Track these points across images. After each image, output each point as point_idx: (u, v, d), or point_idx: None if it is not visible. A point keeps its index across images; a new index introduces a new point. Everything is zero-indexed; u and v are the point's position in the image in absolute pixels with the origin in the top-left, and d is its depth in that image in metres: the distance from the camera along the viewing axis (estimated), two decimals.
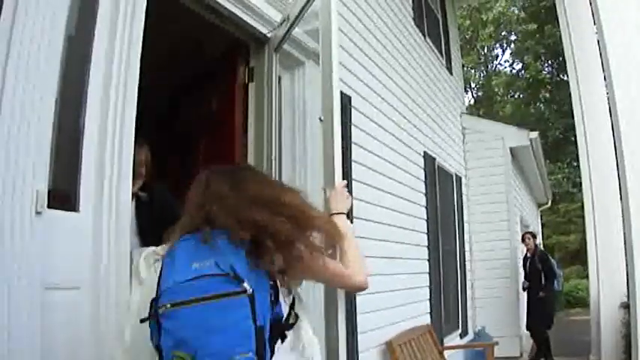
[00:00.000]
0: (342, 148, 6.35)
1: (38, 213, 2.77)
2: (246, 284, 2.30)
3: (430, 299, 9.85)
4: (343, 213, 3.24)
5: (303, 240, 2.54)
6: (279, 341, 2.50)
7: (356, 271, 2.86)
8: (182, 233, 2.56)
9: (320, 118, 3.56)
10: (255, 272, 2.39)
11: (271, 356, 2.41)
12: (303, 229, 2.56)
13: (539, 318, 12.34)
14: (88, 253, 3.11)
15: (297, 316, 2.62)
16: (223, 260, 2.38)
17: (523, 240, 13.38)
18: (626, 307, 6.55)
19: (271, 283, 2.45)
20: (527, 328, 12.95)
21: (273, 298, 2.45)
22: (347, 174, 6.70)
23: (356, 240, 3.04)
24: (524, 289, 13.22)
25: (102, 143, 3.21)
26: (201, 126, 5.71)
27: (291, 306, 2.60)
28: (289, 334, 2.56)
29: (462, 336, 12.01)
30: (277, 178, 4.82)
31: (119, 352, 2.64)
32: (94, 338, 3.08)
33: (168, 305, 2.31)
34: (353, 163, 6.91)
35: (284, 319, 2.56)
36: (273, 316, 2.44)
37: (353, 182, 6.83)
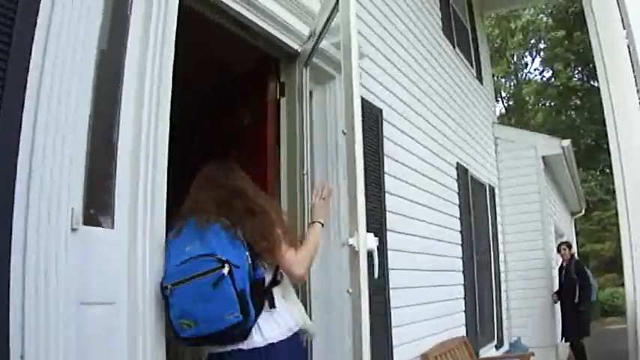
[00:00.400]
0: (373, 160, 6.39)
1: (74, 230, 2.79)
2: (224, 259, 3.07)
3: (465, 310, 9.80)
4: (320, 222, 3.90)
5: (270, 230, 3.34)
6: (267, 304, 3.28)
7: (301, 265, 3.45)
8: (184, 218, 3.35)
9: (343, 131, 3.85)
10: (233, 245, 3.19)
11: (257, 311, 3.18)
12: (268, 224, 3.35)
13: (576, 328, 12.26)
14: (123, 268, 3.12)
15: (282, 275, 3.43)
16: (207, 242, 3.17)
17: (559, 250, 13.31)
18: None
19: (247, 253, 3.21)
20: (564, 338, 12.85)
21: (251, 263, 3.19)
22: (380, 186, 6.70)
23: (315, 245, 3.71)
24: (554, 302, 13.14)
25: (136, 158, 3.21)
26: (232, 142, 5.71)
27: (277, 268, 3.40)
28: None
29: (497, 347, 11.93)
30: (309, 193, 4.85)
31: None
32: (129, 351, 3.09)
33: (169, 286, 3.10)
34: (385, 176, 6.89)
35: (267, 280, 3.32)
36: (254, 279, 3.19)
37: (386, 195, 6.83)
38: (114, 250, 3.11)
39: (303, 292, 4.67)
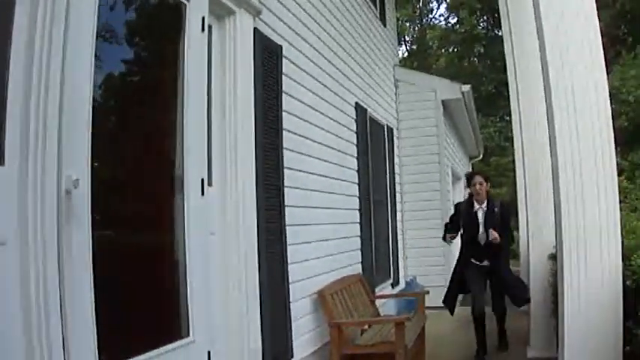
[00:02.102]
0: (271, 97, 6.39)
1: None
2: None
3: (361, 249, 9.95)
4: None
5: None
6: None
7: None
8: None
9: None
10: None
11: None
12: None
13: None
14: (13, 207, 3.05)
15: None
16: None
17: (470, 184, 9.14)
18: (554, 257, 6.67)
19: None
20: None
21: None
22: (278, 123, 6.70)
23: None
24: (450, 240, 9.53)
25: (26, 94, 3.12)
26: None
27: None
28: None
29: (393, 285, 12.17)
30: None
31: None
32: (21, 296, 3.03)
33: None
34: (284, 113, 6.89)
35: None
36: None
37: (283, 132, 6.83)
38: (3, 188, 3.03)
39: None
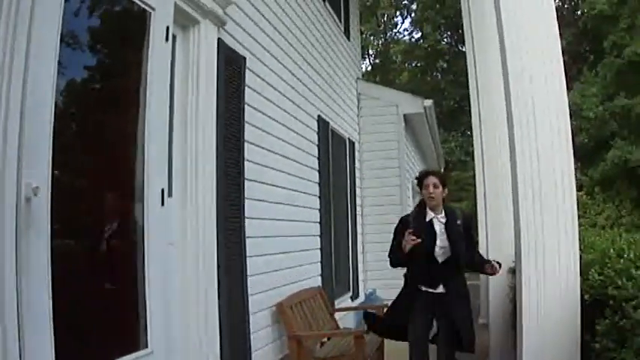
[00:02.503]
0: (234, 109, 6.39)
1: None
2: None
3: (321, 262, 9.95)
4: None
5: None
6: None
7: None
8: None
9: None
10: None
11: None
12: None
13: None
14: None
15: None
16: None
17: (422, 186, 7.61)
18: (513, 272, 6.73)
19: None
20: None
21: None
22: (240, 135, 6.69)
23: None
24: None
25: None
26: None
27: None
28: None
29: (352, 298, 12.18)
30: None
31: None
32: None
33: None
34: (246, 124, 6.88)
35: None
36: None
37: (245, 143, 6.82)
38: None
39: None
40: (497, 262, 6.35)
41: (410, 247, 6.09)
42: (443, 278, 6.28)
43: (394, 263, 6.73)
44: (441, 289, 6.29)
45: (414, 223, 6.34)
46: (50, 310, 3.43)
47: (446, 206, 6.52)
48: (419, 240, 6.08)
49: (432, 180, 6.45)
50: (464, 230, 6.40)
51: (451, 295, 6.25)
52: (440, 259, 6.26)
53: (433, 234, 6.30)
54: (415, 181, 6.69)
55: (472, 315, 6.55)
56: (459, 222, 6.39)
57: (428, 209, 6.43)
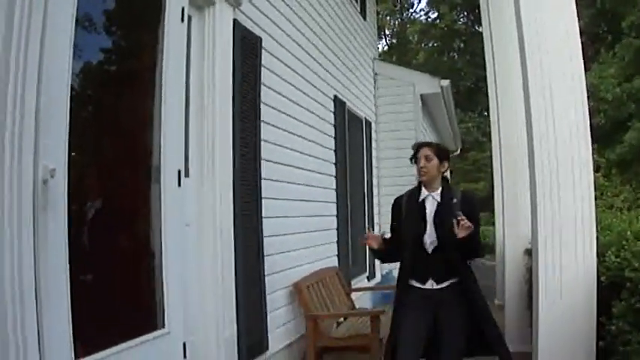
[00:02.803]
0: (250, 89, 6.39)
1: None
2: None
3: (338, 242, 9.96)
4: None
5: None
6: None
7: None
8: None
9: None
10: None
11: None
12: None
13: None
14: None
15: None
16: None
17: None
18: (529, 253, 6.71)
19: None
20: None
21: None
22: (256, 115, 6.69)
23: None
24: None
25: (3, 82, 3.05)
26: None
27: None
28: None
29: (369, 279, 12.19)
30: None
31: None
32: None
33: None
34: (262, 105, 6.88)
35: None
36: None
37: (261, 124, 6.82)
38: None
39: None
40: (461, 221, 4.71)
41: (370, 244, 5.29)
42: (432, 271, 5.03)
43: (378, 257, 5.82)
44: (430, 284, 5.03)
45: (406, 204, 5.28)
46: (68, 289, 3.45)
47: (445, 183, 5.28)
48: (370, 242, 5.27)
49: (424, 152, 5.22)
50: (462, 208, 4.96)
51: (447, 293, 5.00)
52: (429, 248, 5.02)
53: (423, 216, 5.12)
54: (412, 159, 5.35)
55: (489, 316, 5.08)
56: (454, 200, 5.06)
57: (422, 188, 5.24)
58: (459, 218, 4.70)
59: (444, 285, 5.00)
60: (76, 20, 3.67)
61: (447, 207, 5.03)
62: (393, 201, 5.52)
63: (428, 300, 5.00)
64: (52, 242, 3.34)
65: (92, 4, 4.14)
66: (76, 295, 3.50)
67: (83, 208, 3.94)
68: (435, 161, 5.16)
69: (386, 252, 5.33)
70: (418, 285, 5.06)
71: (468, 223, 4.68)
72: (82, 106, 4.07)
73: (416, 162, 5.26)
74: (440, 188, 5.18)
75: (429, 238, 5.01)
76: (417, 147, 5.36)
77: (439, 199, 5.10)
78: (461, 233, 4.70)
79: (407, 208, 5.25)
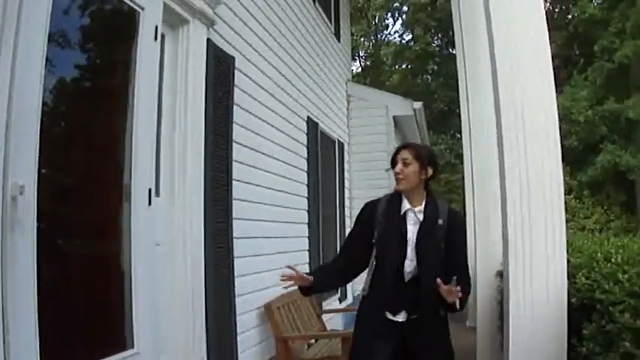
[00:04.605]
0: (222, 109, 6.37)
1: None
2: None
3: (309, 263, 9.93)
4: None
5: None
6: None
7: None
8: None
9: None
10: None
11: None
12: None
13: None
14: None
15: None
16: None
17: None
18: (501, 274, 6.73)
19: None
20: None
21: None
22: (228, 135, 6.67)
23: None
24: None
25: None
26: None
27: None
28: None
29: (340, 300, 12.15)
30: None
31: None
32: None
33: None
34: (234, 125, 6.86)
35: None
36: None
37: (233, 144, 6.80)
38: None
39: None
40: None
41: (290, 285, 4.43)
42: (406, 302, 4.25)
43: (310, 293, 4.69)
44: (402, 316, 4.27)
45: (383, 216, 4.37)
46: (36, 309, 3.43)
47: (430, 197, 4.43)
48: (291, 282, 4.41)
49: (402, 154, 4.44)
50: (447, 234, 4.31)
51: (419, 330, 4.24)
52: (407, 276, 4.25)
53: (405, 236, 4.30)
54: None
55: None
56: (440, 221, 4.30)
57: (404, 198, 4.40)
58: (453, 289, 3.92)
59: (415, 317, 4.24)
60: (50, 36, 3.66)
61: (430, 230, 4.29)
62: (364, 205, 4.62)
63: (397, 334, 4.25)
64: (20, 260, 3.31)
65: (66, 20, 4.13)
66: (44, 314, 3.47)
67: (52, 226, 3.90)
68: (415, 166, 4.37)
69: (319, 283, 4.47)
70: (388, 316, 4.28)
71: (459, 293, 3.96)
72: (54, 122, 4.06)
73: (393, 167, 4.48)
74: (423, 202, 4.37)
75: (409, 264, 4.24)
76: (397, 149, 4.57)
77: (421, 218, 4.31)
78: (450, 298, 4.00)
79: (384, 219, 4.37)
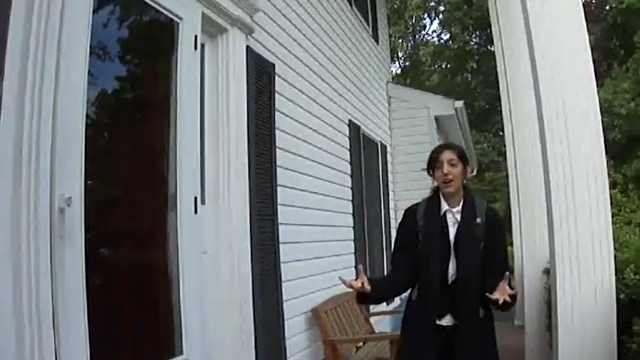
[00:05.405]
0: (264, 115, 6.40)
1: None
2: None
3: (355, 266, 9.91)
4: None
5: None
6: None
7: None
8: None
9: None
10: None
11: None
12: None
13: None
14: (7, 225, 3.03)
15: None
16: None
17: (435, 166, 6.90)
18: (548, 272, 6.68)
19: None
20: None
21: None
22: (271, 142, 6.71)
23: None
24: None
25: (19, 112, 3.10)
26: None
27: None
28: None
29: (388, 303, 12.13)
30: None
31: None
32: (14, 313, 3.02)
33: None
34: (277, 131, 6.90)
35: None
36: None
37: (277, 150, 6.83)
38: None
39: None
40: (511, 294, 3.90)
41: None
42: (453, 306, 4.20)
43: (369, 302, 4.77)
44: (448, 320, 4.22)
45: (424, 219, 4.32)
46: (86, 318, 3.48)
47: (467, 195, 4.36)
48: (364, 286, 4.05)
49: (447, 155, 4.28)
50: (487, 233, 4.23)
51: (467, 332, 4.17)
52: (451, 278, 4.21)
53: (446, 236, 4.26)
54: (427, 162, 4.43)
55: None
56: (478, 220, 4.23)
57: (442, 199, 4.31)
58: (506, 288, 3.87)
59: (460, 322, 4.18)
60: (90, 49, 3.71)
61: (468, 230, 4.22)
62: (404, 212, 4.52)
63: (443, 337, 4.20)
64: (69, 270, 3.36)
65: (106, 32, 4.19)
66: (94, 322, 3.52)
67: (100, 236, 3.96)
68: (460, 167, 4.30)
69: (376, 292, 4.15)
70: (435, 321, 4.21)
71: (511, 291, 3.89)
72: (98, 134, 4.12)
73: (435, 169, 4.32)
74: (461, 202, 4.30)
75: (452, 266, 4.19)
76: (439, 150, 4.39)
77: (459, 218, 4.25)
78: (501, 297, 3.88)
79: (425, 222, 4.31)
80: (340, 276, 4.21)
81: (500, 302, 3.86)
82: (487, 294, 3.89)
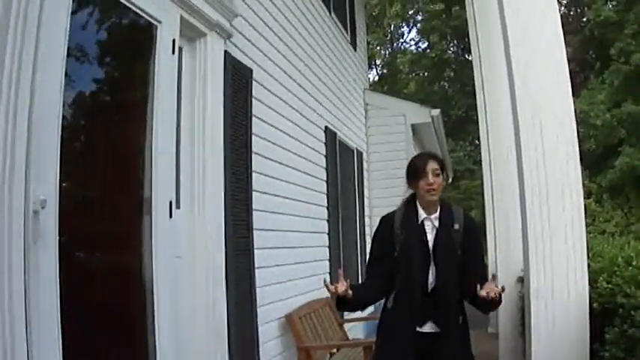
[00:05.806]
0: (241, 120, 6.39)
1: None
2: None
3: (330, 272, 9.92)
4: None
5: None
6: None
7: None
8: None
9: None
10: None
11: None
12: None
13: None
14: None
15: None
16: None
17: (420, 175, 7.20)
18: (522, 280, 6.71)
19: None
20: None
21: None
22: (247, 147, 6.70)
23: None
24: None
25: None
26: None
27: None
28: None
29: (363, 310, 12.12)
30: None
31: None
32: None
33: None
34: (253, 136, 6.89)
35: None
36: None
37: (253, 155, 6.82)
38: None
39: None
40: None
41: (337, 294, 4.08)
42: (434, 313, 4.17)
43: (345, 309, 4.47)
44: (430, 327, 4.19)
45: (401, 228, 4.27)
46: (59, 323, 3.46)
47: (443, 201, 4.36)
48: (347, 292, 4.05)
49: (433, 165, 4.24)
50: (464, 239, 4.22)
51: (447, 337, 4.15)
52: (430, 286, 4.17)
53: (425, 244, 4.23)
54: (406, 170, 4.38)
55: None
56: (456, 226, 4.23)
57: (419, 206, 4.29)
58: (491, 295, 3.86)
59: (441, 328, 4.14)
60: (68, 51, 3.70)
61: (447, 235, 4.21)
62: (379, 220, 4.48)
63: (420, 344, 4.14)
64: (43, 273, 3.34)
65: (84, 34, 4.17)
66: (67, 327, 3.49)
67: (74, 240, 3.93)
68: (442, 176, 4.27)
69: (355, 298, 4.14)
70: (416, 328, 4.16)
71: (498, 289, 3.90)
72: (74, 137, 4.10)
73: (420, 179, 4.22)
74: (438, 209, 4.28)
75: (431, 274, 4.16)
76: (423, 161, 4.31)
77: (437, 224, 4.24)
78: (490, 294, 3.88)
79: (403, 231, 4.26)
80: (325, 279, 4.38)
81: (491, 296, 3.84)
82: (478, 291, 3.86)
